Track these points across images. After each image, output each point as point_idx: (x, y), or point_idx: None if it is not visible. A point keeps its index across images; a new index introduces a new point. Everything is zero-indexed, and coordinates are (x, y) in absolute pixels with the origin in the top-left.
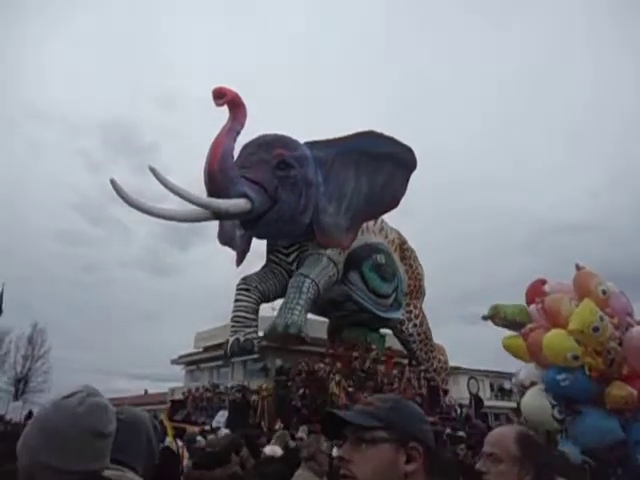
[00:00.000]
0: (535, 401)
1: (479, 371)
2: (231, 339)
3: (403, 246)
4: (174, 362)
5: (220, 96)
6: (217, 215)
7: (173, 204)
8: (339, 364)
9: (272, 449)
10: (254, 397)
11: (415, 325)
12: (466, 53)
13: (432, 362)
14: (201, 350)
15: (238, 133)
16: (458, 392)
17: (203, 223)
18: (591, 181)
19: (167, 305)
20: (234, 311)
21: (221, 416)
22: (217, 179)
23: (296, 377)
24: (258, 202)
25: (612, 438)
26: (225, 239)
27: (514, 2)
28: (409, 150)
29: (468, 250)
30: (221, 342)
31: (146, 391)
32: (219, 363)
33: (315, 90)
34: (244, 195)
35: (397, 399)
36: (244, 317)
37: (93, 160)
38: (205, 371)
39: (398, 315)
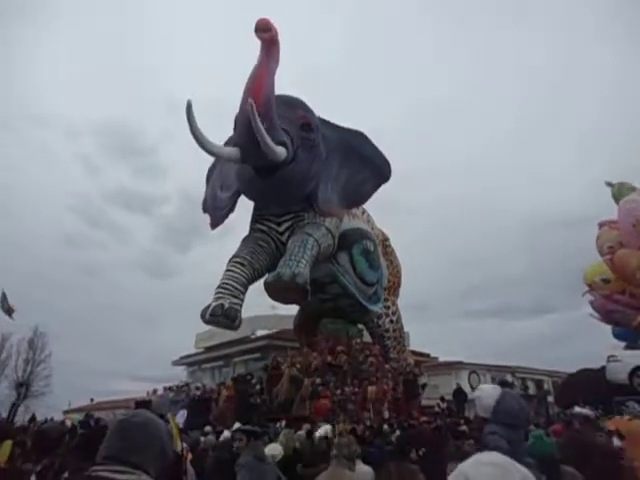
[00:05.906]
0: None
1: (481, 365)
2: (214, 303)
3: (385, 242)
4: (175, 363)
5: (265, 29)
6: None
7: (170, 206)
8: (329, 357)
9: (273, 447)
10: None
11: (392, 321)
12: (474, 55)
13: (402, 362)
14: (202, 350)
15: (274, 73)
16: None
17: (202, 224)
18: (596, 176)
19: (167, 306)
20: (223, 279)
21: (181, 416)
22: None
23: (260, 373)
24: (290, 154)
25: None
26: (207, 206)
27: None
28: (387, 163)
29: (469, 247)
30: (221, 343)
31: (148, 392)
32: (220, 363)
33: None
34: (284, 144)
35: None
36: (233, 286)
37: (92, 163)
38: (207, 371)
39: (377, 308)
